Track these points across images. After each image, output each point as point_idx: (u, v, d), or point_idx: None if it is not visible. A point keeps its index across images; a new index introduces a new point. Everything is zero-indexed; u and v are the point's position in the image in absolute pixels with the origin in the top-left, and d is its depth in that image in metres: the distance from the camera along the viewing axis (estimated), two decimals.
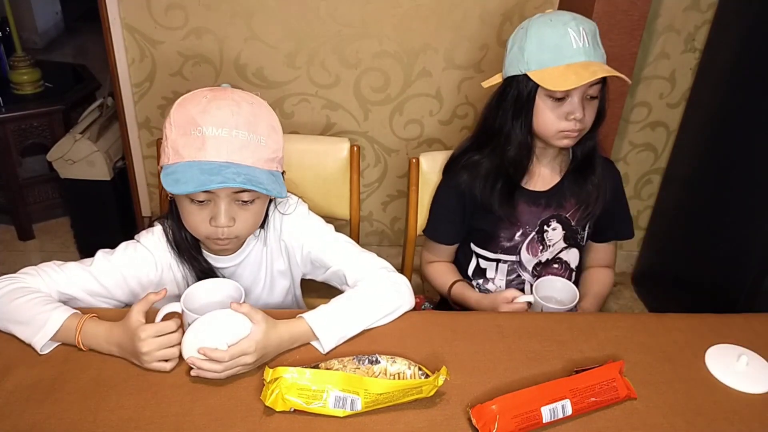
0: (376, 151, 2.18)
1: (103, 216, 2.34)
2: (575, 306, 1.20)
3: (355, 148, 1.44)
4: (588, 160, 1.28)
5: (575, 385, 0.91)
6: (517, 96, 1.19)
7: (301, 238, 1.16)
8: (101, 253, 1.08)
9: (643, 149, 2.22)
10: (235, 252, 1.13)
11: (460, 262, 1.41)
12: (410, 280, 1.52)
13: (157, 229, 1.12)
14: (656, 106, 2.13)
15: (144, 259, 1.09)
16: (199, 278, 1.10)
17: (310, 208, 1.20)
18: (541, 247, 1.32)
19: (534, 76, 1.14)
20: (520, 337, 1.07)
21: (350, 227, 1.49)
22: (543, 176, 1.29)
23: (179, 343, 0.94)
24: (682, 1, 1.94)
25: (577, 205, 1.30)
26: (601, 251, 1.41)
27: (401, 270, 1.52)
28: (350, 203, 1.46)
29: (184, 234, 1.09)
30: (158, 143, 1.41)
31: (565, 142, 1.20)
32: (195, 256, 1.10)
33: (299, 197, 1.20)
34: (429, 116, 2.12)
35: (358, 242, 1.48)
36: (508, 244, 1.31)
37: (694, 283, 2.00)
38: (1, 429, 0.85)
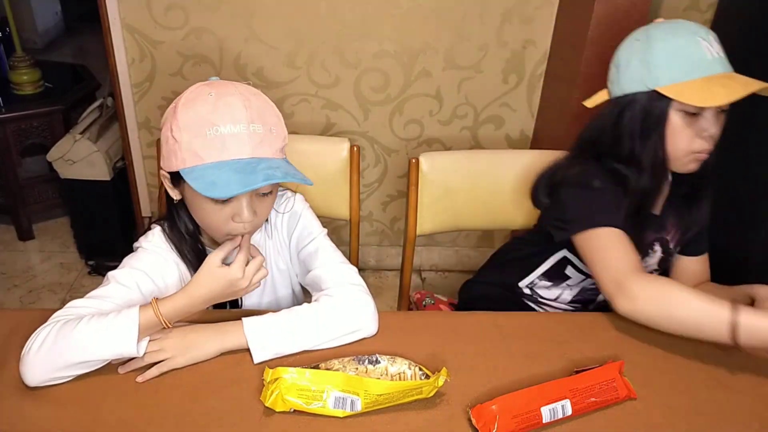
0: (376, 151, 2.18)
1: (103, 216, 2.34)
2: None
3: (355, 148, 1.44)
4: (700, 181, 1.17)
5: (575, 385, 0.91)
6: (646, 115, 1.06)
7: (297, 234, 1.16)
8: (113, 273, 1.03)
9: None
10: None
11: (534, 256, 1.27)
12: (410, 281, 1.53)
13: (157, 231, 1.11)
14: None
15: (161, 261, 1.08)
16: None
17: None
18: None
19: (668, 92, 1.03)
20: (520, 337, 1.07)
21: (350, 227, 1.49)
22: (660, 198, 1.18)
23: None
24: (682, 1, 1.94)
25: (678, 226, 1.21)
26: (700, 264, 1.30)
27: (401, 270, 1.52)
28: (350, 203, 1.46)
29: (184, 232, 1.08)
30: (157, 144, 1.41)
31: (692, 167, 1.10)
32: (197, 253, 1.09)
33: (296, 193, 1.19)
34: (429, 116, 2.12)
35: (357, 242, 1.50)
36: None
37: None
38: (1, 429, 0.85)
